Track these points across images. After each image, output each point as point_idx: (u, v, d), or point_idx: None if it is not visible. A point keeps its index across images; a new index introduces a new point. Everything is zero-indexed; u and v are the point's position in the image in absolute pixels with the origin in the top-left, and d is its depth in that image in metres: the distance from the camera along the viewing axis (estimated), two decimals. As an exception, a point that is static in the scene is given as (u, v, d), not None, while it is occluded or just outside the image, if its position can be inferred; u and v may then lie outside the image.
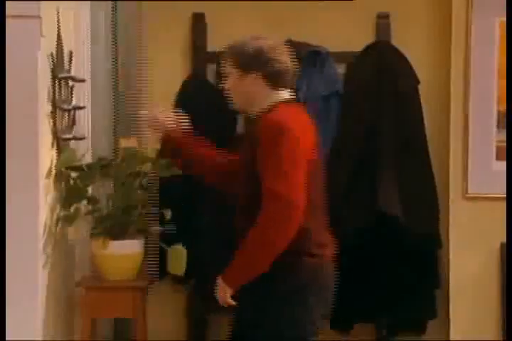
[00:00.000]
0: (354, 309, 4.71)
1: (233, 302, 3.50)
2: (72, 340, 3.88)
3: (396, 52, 4.86)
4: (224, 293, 3.54)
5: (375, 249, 4.71)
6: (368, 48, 4.87)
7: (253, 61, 3.62)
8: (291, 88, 3.72)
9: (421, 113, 4.83)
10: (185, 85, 4.82)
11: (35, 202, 3.31)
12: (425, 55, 4.90)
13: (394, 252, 4.77)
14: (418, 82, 4.83)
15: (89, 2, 4.06)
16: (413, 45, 4.88)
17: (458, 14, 4.80)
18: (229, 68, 3.68)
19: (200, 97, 4.80)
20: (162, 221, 3.94)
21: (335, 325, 4.74)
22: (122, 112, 4.65)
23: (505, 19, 4.70)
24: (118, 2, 4.64)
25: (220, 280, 3.55)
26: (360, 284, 4.65)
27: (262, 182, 3.49)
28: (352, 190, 4.73)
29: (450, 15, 4.82)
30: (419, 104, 4.83)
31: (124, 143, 3.97)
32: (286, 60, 3.65)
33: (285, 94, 3.67)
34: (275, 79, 3.65)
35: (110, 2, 4.59)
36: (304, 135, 3.54)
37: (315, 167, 3.56)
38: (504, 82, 4.74)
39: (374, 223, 4.70)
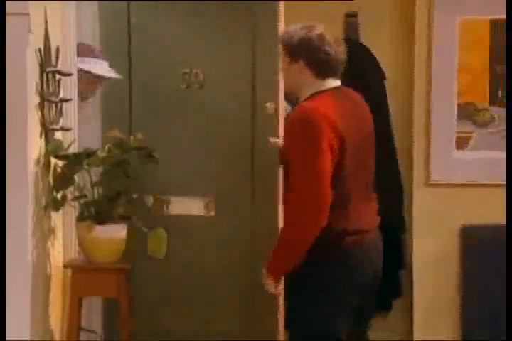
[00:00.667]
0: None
1: (281, 292, 3.47)
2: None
3: (364, 49, 4.90)
4: (269, 283, 3.51)
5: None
6: None
7: (299, 49, 3.54)
8: (339, 77, 3.63)
9: (387, 106, 4.87)
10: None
11: (25, 189, 3.23)
12: (391, 52, 4.94)
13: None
14: (384, 77, 4.87)
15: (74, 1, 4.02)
16: (379, 42, 4.92)
17: (421, 14, 4.84)
18: (281, 54, 3.63)
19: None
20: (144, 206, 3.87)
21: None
22: (109, 105, 4.61)
23: (464, 17, 4.72)
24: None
25: (264, 271, 3.53)
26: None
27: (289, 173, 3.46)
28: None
29: (413, 15, 4.86)
30: (385, 97, 4.88)
31: (109, 133, 3.90)
32: (332, 49, 3.55)
33: (331, 82, 3.58)
34: (320, 67, 3.55)
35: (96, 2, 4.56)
36: (334, 123, 3.41)
37: (354, 150, 3.43)
38: (463, 76, 4.75)
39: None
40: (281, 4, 4.39)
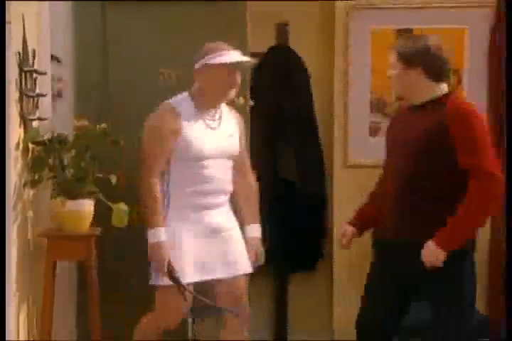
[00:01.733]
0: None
1: (441, 265, 3.25)
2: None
3: (293, 53, 4.90)
4: (435, 257, 3.28)
5: (280, 207, 4.79)
6: (271, 50, 4.91)
7: (418, 57, 3.40)
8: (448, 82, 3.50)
9: (312, 100, 4.88)
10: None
11: (8, 170, 3.22)
12: (315, 55, 4.93)
13: (293, 209, 4.82)
14: (310, 77, 4.87)
15: (48, 8, 3.94)
16: (306, 48, 4.91)
17: (339, 24, 4.85)
18: (395, 62, 3.46)
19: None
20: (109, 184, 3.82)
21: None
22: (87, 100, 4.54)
23: (375, 27, 4.75)
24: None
25: (431, 245, 3.29)
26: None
27: (464, 161, 3.27)
28: (264, 160, 4.76)
29: (333, 24, 4.86)
30: (311, 93, 4.89)
31: (77, 122, 3.87)
32: (446, 57, 3.44)
33: (445, 86, 3.47)
34: (436, 73, 3.42)
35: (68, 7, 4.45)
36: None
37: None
38: (375, 77, 4.77)
39: (279, 187, 4.80)
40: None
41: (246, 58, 3.70)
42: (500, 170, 3.31)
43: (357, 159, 4.82)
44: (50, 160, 3.66)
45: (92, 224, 3.79)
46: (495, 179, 3.26)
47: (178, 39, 4.53)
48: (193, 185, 3.65)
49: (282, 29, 4.92)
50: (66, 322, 4.36)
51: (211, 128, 3.69)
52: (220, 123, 3.73)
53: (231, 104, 3.93)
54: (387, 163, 3.57)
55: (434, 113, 3.36)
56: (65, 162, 3.68)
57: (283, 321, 5.05)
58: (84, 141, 3.70)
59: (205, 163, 3.65)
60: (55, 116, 4.07)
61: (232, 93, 3.71)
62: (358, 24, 4.77)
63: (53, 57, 4.04)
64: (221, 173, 3.69)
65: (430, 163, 3.34)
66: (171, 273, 3.59)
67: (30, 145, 3.57)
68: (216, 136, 3.68)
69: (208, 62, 3.63)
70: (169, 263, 3.58)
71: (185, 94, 3.74)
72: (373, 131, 4.81)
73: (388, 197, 3.49)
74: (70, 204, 3.70)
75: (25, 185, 3.49)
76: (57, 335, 3.92)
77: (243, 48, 4.47)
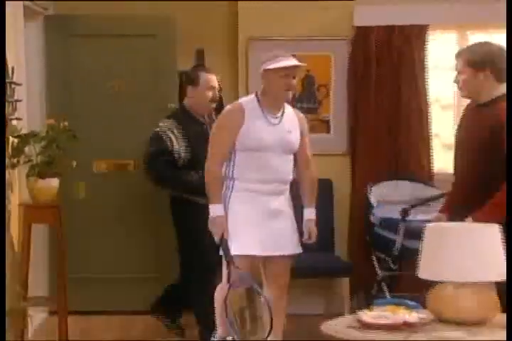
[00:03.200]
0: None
1: None
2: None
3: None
4: None
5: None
6: (192, 69, 5.00)
7: (486, 61, 3.11)
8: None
9: (223, 104, 4.92)
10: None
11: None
12: (224, 73, 4.88)
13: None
14: (220, 89, 4.95)
15: (22, 30, 3.96)
16: (218, 67, 4.81)
17: (241, 48, 4.87)
18: (463, 67, 3.16)
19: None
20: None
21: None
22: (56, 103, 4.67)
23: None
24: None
25: (471, 221, 3.05)
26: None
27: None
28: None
29: (237, 49, 4.90)
30: (222, 104, 4.75)
31: (47, 121, 4.00)
32: (505, 60, 3.12)
33: (504, 86, 3.15)
34: (501, 75, 3.14)
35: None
36: None
37: None
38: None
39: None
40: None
41: (298, 63, 3.43)
42: None
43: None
44: (26, 149, 3.75)
45: (58, 196, 3.90)
46: None
47: (123, 60, 4.81)
48: (253, 173, 3.40)
49: (200, 54, 4.91)
50: (38, 274, 4.43)
51: (272, 124, 3.45)
52: (280, 121, 3.48)
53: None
54: (456, 155, 3.29)
55: (494, 112, 3.08)
56: (37, 150, 3.78)
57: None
58: (51, 135, 3.81)
59: (265, 154, 3.40)
60: (29, 116, 4.20)
61: (289, 94, 3.48)
62: (255, 52, 4.67)
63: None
64: (280, 165, 3.43)
65: (491, 157, 3.09)
66: (223, 243, 3.32)
67: (11, 138, 3.64)
68: (276, 131, 3.43)
69: (266, 68, 3.42)
70: (222, 235, 3.33)
71: (253, 94, 3.54)
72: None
73: (454, 186, 3.26)
74: (41, 182, 3.81)
75: (7, 167, 3.52)
76: (32, 283, 3.98)
77: (172, 68, 4.77)
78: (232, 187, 3.44)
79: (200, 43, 4.89)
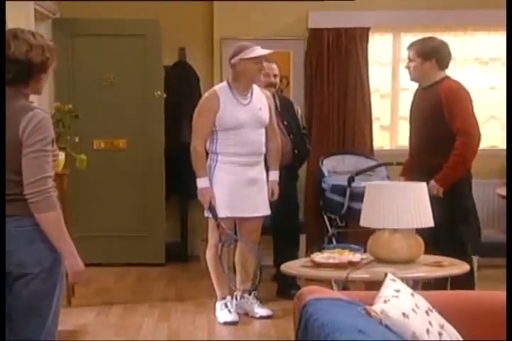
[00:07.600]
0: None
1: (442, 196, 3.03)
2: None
3: (188, 66, 4.95)
4: (438, 191, 3.12)
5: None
6: (175, 64, 4.95)
7: (433, 52, 3.17)
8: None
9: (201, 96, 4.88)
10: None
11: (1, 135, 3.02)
12: (202, 68, 4.93)
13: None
14: (199, 80, 4.90)
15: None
16: (198, 63, 4.94)
17: (216, 48, 4.81)
18: (413, 56, 3.21)
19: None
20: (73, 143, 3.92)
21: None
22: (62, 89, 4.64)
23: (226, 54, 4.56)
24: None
25: (434, 183, 3.10)
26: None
27: (453, 124, 3.03)
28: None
29: (213, 48, 4.85)
30: (200, 92, 4.78)
31: (55, 104, 3.99)
32: (450, 50, 3.22)
33: (444, 72, 3.24)
34: (443, 63, 3.21)
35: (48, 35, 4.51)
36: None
37: None
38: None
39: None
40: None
41: (268, 51, 3.47)
42: (477, 130, 3.12)
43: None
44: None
45: (64, 167, 3.88)
46: (473, 136, 3.11)
47: (117, 56, 4.79)
48: (232, 148, 3.42)
49: (182, 51, 4.88)
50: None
51: (244, 105, 3.45)
52: (251, 101, 3.48)
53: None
54: (410, 127, 3.37)
55: (436, 91, 3.16)
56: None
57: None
58: (58, 115, 3.80)
59: (242, 130, 3.40)
60: (40, 100, 4.08)
61: (261, 75, 3.53)
62: (227, 49, 4.24)
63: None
64: (256, 138, 3.44)
65: (434, 127, 3.15)
66: (211, 209, 3.39)
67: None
68: (248, 110, 3.43)
69: (243, 57, 3.41)
70: (210, 202, 3.37)
71: (225, 82, 3.56)
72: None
73: (410, 152, 3.36)
74: (50, 155, 3.81)
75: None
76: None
77: (159, 62, 4.77)
78: (216, 160, 3.48)
79: (182, 42, 4.91)
